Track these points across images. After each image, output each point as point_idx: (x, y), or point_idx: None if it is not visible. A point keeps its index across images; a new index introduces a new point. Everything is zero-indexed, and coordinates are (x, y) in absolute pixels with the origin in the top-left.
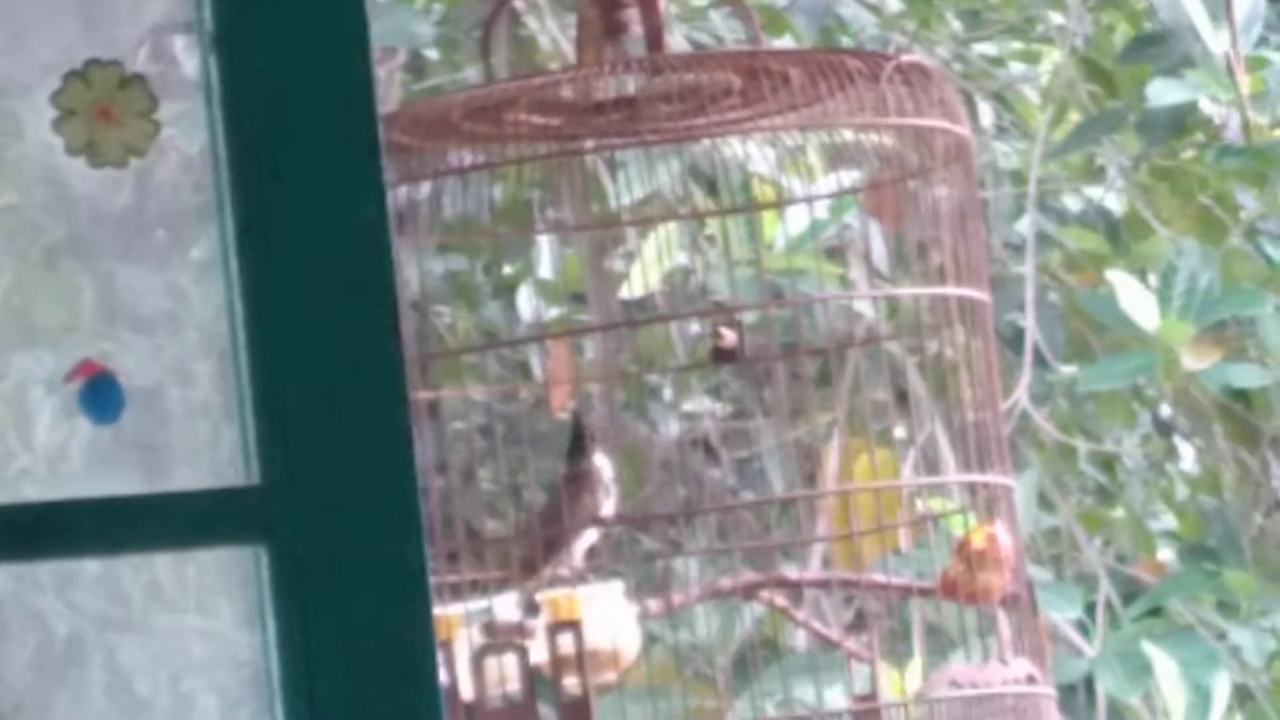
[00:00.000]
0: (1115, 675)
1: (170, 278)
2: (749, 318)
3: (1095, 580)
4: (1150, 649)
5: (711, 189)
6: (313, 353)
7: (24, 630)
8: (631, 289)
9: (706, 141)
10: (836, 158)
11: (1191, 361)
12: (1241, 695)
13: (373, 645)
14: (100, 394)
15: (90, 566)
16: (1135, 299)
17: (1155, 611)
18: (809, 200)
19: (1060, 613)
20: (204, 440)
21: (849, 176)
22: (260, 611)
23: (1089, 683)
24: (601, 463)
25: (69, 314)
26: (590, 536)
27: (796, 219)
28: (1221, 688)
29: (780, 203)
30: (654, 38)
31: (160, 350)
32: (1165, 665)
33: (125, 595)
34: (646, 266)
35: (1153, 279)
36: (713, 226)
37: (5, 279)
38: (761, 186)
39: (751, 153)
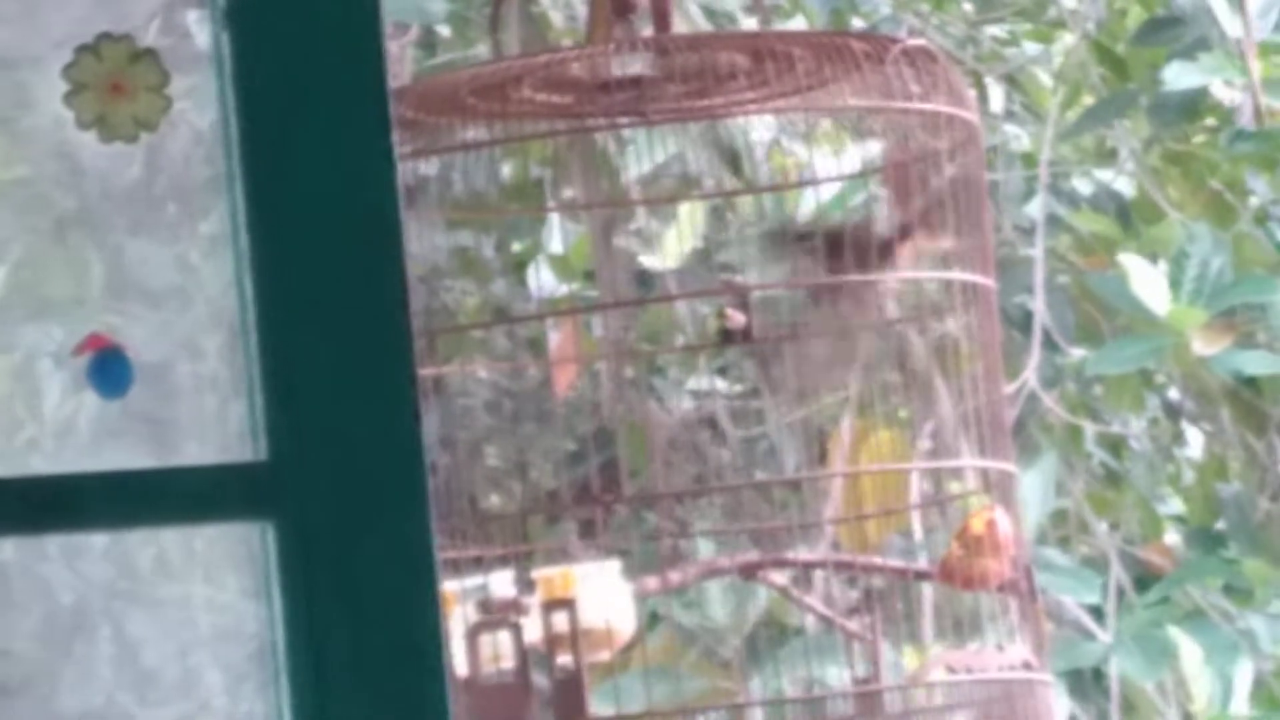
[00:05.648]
0: (1134, 659)
1: (180, 252)
2: (758, 296)
3: (1103, 563)
4: (1176, 634)
5: (732, 167)
6: (321, 328)
7: (31, 600)
8: (664, 259)
9: (718, 120)
10: (846, 141)
11: (1202, 347)
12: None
13: (379, 620)
14: (108, 368)
15: (98, 537)
16: (1147, 283)
17: (1164, 596)
18: (818, 183)
19: (1076, 597)
20: (212, 415)
21: (859, 159)
22: (267, 586)
23: (1096, 667)
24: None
25: (78, 287)
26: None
27: (809, 200)
28: (1244, 674)
29: (788, 184)
30: (661, 18)
31: (169, 325)
32: (1190, 651)
33: (133, 567)
34: (682, 237)
35: (1163, 263)
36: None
37: (15, 252)
38: (777, 165)
39: (761, 135)
